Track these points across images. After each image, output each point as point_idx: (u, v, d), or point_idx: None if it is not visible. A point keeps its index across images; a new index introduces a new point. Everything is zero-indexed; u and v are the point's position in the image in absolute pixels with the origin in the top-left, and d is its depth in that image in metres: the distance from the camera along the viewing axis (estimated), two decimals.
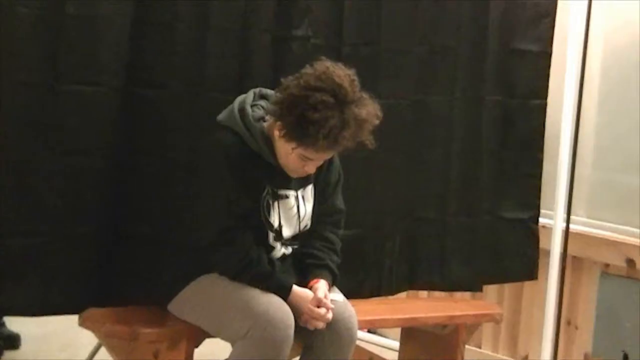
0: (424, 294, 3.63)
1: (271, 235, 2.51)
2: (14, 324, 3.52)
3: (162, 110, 2.61)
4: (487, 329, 3.76)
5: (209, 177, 2.46)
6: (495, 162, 3.24)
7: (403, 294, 3.29)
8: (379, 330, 3.92)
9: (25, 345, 3.52)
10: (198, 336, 2.56)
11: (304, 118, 2.31)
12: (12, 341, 3.50)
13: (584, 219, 3.53)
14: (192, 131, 2.63)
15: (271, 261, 2.49)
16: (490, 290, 3.67)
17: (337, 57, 2.64)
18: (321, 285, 2.51)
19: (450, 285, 3.24)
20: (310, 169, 2.46)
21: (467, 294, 3.57)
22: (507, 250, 3.28)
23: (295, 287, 2.48)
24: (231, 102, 2.52)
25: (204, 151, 2.50)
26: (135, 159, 2.61)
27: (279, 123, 2.39)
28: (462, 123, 3.15)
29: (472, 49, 3.12)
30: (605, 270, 3.44)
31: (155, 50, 2.58)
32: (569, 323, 3.55)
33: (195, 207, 2.50)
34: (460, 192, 3.18)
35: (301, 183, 2.56)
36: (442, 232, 3.17)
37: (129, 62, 2.54)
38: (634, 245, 3.34)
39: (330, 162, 2.60)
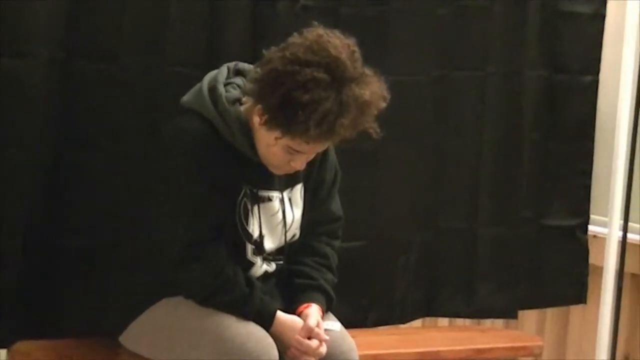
0: (444, 321, 3.63)
1: (250, 248, 2.52)
2: None
3: (110, 89, 2.61)
4: None
5: (170, 175, 2.46)
6: (538, 156, 3.26)
7: (418, 322, 3.30)
8: None
9: None
10: None
11: (291, 100, 2.30)
12: None
13: None
14: (149, 116, 2.63)
15: (250, 281, 2.49)
16: (528, 317, 3.67)
17: (335, 21, 2.65)
18: (313, 311, 2.51)
19: (478, 311, 3.26)
20: (299, 164, 2.45)
21: (499, 322, 3.58)
22: (548, 267, 3.31)
23: (280, 314, 2.48)
24: (199, 79, 2.51)
25: (164, 142, 2.49)
26: (75, 152, 2.60)
27: (259, 106, 2.38)
28: (496, 105, 3.17)
29: (510, 10, 3.13)
30: None
31: (101, 13, 2.57)
32: (626, 359, 3.54)
33: (153, 214, 2.50)
34: (493, 195, 3.20)
35: (288, 182, 2.56)
36: (467, 246, 3.19)
37: (68, 27, 2.54)
38: None
39: (324, 156, 2.59)
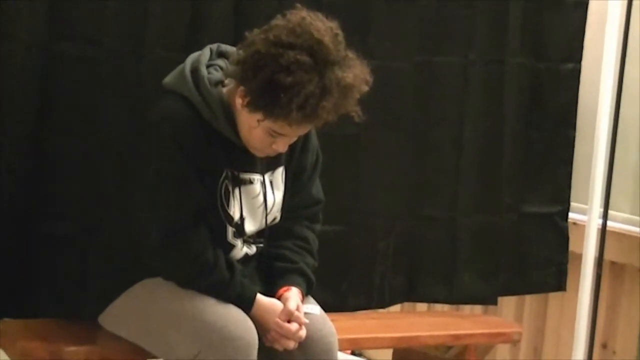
0: (423, 307, 3.65)
1: (230, 230, 2.52)
2: None
3: (91, 73, 2.60)
4: (502, 351, 3.79)
5: (151, 157, 2.46)
6: (520, 143, 3.27)
7: (397, 307, 3.31)
8: (366, 353, 3.95)
9: None
10: (137, 357, 2.57)
11: (274, 82, 2.31)
12: None
13: (626, 215, 3.56)
14: (129, 100, 2.62)
15: (230, 263, 2.50)
16: (507, 303, 3.70)
17: (317, 4, 2.64)
18: (293, 294, 2.52)
19: (458, 297, 3.27)
20: (281, 147, 2.46)
21: (478, 308, 3.59)
22: (528, 254, 3.32)
23: (260, 297, 2.49)
24: (181, 62, 2.51)
25: (145, 125, 2.49)
26: (54, 136, 2.60)
27: (241, 88, 2.39)
28: (478, 92, 3.18)
29: None
30: None
31: None
32: (604, 346, 3.58)
33: (133, 197, 2.51)
34: (473, 181, 3.21)
35: (269, 165, 2.57)
36: (447, 231, 3.20)
37: (49, 11, 2.52)
38: None
39: (305, 139, 2.60)
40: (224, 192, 2.49)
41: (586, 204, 3.38)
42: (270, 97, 2.33)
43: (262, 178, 2.55)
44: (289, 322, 2.47)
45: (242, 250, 2.55)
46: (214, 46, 2.55)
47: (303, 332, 2.47)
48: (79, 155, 2.62)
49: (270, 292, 2.53)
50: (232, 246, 2.53)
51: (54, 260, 2.62)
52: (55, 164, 2.61)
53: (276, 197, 2.58)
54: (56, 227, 2.62)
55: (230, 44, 2.55)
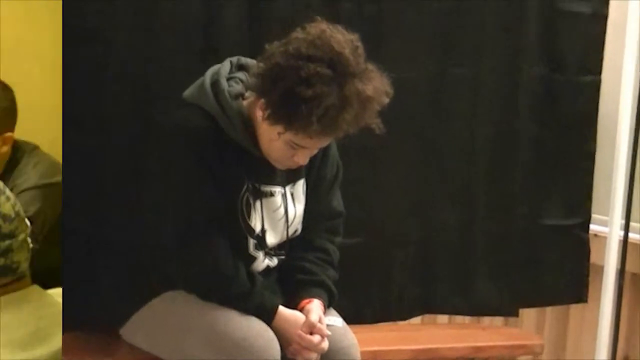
0: (443, 319, 3.65)
1: (252, 242, 2.54)
2: None
3: (100, 75, 2.63)
4: None
5: (170, 169, 2.48)
6: (535, 154, 3.27)
7: (417, 319, 3.31)
8: None
9: None
10: None
11: (294, 95, 2.32)
12: None
13: None
14: (144, 110, 2.66)
15: (251, 275, 2.51)
16: (528, 315, 3.69)
17: (336, 16, 2.66)
18: (315, 306, 2.53)
19: (478, 308, 3.28)
20: (301, 159, 2.47)
21: (499, 320, 3.59)
22: (549, 266, 3.32)
23: (281, 309, 2.50)
24: (193, 66, 2.54)
25: (163, 134, 2.52)
26: (68, 139, 2.62)
27: (262, 101, 2.40)
28: (493, 103, 3.19)
29: (508, 6, 3.14)
30: None
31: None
32: (626, 359, 3.58)
33: (152, 207, 2.52)
34: (490, 192, 3.22)
35: (290, 177, 2.58)
36: (466, 242, 3.21)
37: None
38: None
39: (325, 151, 2.61)
40: (245, 205, 2.51)
41: (607, 215, 3.39)
42: (290, 110, 2.34)
43: (283, 190, 2.56)
44: (311, 334, 2.47)
45: (263, 262, 2.57)
46: (234, 59, 2.56)
47: (325, 344, 2.48)
48: (87, 157, 2.65)
49: (291, 304, 2.53)
50: (254, 258, 2.55)
51: (70, 268, 2.61)
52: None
53: (297, 209, 2.60)
54: (75, 230, 2.64)
55: (244, 49, 2.57)
